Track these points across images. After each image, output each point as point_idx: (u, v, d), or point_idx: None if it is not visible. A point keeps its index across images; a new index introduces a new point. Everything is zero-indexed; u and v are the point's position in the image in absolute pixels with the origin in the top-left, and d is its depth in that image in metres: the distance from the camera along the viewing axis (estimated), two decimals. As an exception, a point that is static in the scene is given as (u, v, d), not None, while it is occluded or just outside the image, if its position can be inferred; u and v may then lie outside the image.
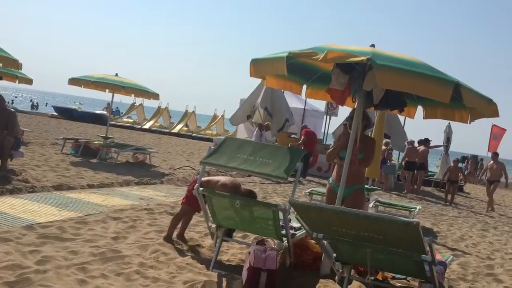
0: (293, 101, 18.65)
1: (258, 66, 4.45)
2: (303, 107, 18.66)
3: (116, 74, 11.37)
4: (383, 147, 13.52)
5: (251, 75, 4.48)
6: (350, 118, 4.83)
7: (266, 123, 14.44)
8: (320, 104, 20.54)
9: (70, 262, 3.95)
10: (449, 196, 12.96)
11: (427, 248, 3.00)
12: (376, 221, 2.98)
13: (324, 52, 3.80)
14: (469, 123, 4.54)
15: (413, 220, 2.77)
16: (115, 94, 11.80)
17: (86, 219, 5.41)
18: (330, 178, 5.06)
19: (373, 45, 4.43)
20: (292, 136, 16.03)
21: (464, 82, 3.84)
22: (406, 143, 14.10)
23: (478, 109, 4.18)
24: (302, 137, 13.53)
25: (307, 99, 17.76)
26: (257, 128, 13.86)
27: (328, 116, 18.02)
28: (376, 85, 4.35)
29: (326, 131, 18.83)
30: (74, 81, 11.04)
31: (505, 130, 14.82)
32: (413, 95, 4.87)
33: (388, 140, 14.00)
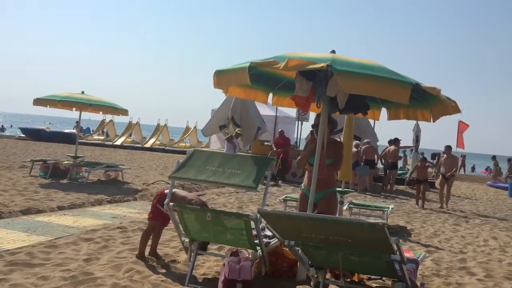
0: (264, 109, 18.75)
1: (221, 77, 4.47)
2: (275, 114, 18.78)
3: (83, 92, 11.20)
4: (354, 149, 13.75)
5: (214, 87, 4.49)
6: (315, 124, 4.89)
7: (236, 130, 14.46)
8: (291, 111, 20.73)
9: (40, 289, 3.85)
10: (420, 201, 11.72)
11: (395, 248, 3.05)
12: (344, 224, 3.02)
13: (285, 61, 3.85)
14: (433, 121, 4.64)
15: (379, 221, 2.82)
16: (83, 112, 11.62)
17: (56, 243, 5.29)
18: (302, 184, 5.11)
19: (333, 51, 4.51)
20: (266, 143, 16.09)
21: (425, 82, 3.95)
22: (363, 143, 14.35)
23: (440, 107, 4.31)
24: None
25: (278, 107, 17.94)
26: (226, 142, 13.89)
27: (299, 122, 18.19)
28: (339, 90, 4.44)
29: (299, 137, 19.00)
30: (39, 102, 10.82)
31: (468, 125, 15.28)
32: (377, 98, 4.97)
33: (358, 142, 14.22)
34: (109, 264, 4.64)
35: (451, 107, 4.28)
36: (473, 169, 42.46)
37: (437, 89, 3.88)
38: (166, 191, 4.75)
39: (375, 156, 14.46)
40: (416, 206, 11.59)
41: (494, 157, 25.19)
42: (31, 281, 4.01)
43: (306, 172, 5.04)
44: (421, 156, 13.44)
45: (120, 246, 5.37)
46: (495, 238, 8.03)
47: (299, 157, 5.04)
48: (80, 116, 11.91)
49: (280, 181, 13.93)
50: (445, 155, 12.37)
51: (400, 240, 3.25)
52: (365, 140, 14.48)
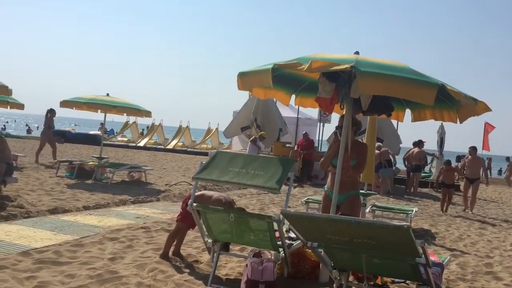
0: (286, 110, 18.74)
1: (245, 79, 4.49)
2: (296, 115, 18.74)
3: (107, 94, 11.40)
4: (377, 151, 13.60)
5: (238, 88, 4.53)
6: (339, 126, 4.86)
7: (260, 133, 14.49)
8: (313, 112, 20.65)
9: (67, 286, 3.94)
10: (445, 206, 11.12)
11: (421, 251, 3.01)
12: (368, 226, 3.00)
13: (309, 62, 3.85)
14: (460, 123, 4.56)
15: (404, 224, 2.79)
16: (107, 114, 11.82)
17: (82, 242, 5.40)
18: (326, 186, 5.09)
19: (357, 52, 4.49)
20: (287, 145, 16.07)
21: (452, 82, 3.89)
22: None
23: (465, 109, 4.24)
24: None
25: (300, 108, 17.91)
26: (249, 144, 13.92)
27: (321, 123, 18.09)
28: (365, 92, 4.41)
29: (320, 138, 18.90)
30: (65, 104, 11.07)
31: (494, 127, 14.89)
32: (401, 99, 4.92)
33: (380, 144, 14.07)
34: (133, 263, 4.72)
35: (479, 108, 4.21)
36: (500, 172, 41.46)
37: (461, 93, 3.82)
38: (196, 193, 4.79)
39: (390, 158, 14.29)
40: (441, 212, 10.90)
41: (508, 158, 24.53)
42: (58, 278, 4.10)
43: (330, 173, 5.02)
44: (446, 160, 12.29)
45: (144, 246, 5.45)
46: (523, 243, 7.83)
47: (322, 159, 5.03)
48: (105, 118, 12.12)
49: (308, 182, 13.96)
50: (469, 156, 11.62)
51: (425, 243, 3.20)
52: (377, 144, 14.31)
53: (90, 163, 11.72)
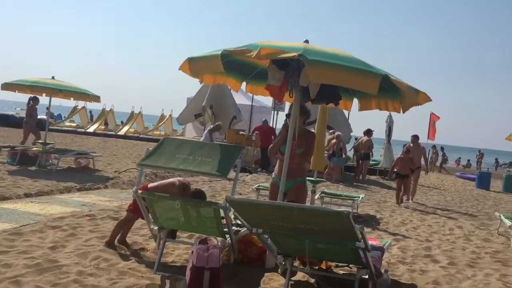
0: (240, 98, 18.70)
1: (194, 65, 4.42)
2: (251, 103, 18.76)
3: (53, 77, 10.89)
4: (334, 141, 13.91)
5: (184, 71, 4.44)
6: (289, 114, 4.91)
7: (217, 123, 14.41)
8: (267, 100, 20.75)
9: (3, 276, 3.76)
10: (404, 197, 10.76)
11: (360, 236, 3.11)
12: (310, 213, 3.06)
13: (257, 49, 3.84)
14: (403, 112, 4.71)
15: (343, 210, 2.86)
16: (54, 98, 11.33)
17: (22, 230, 5.17)
18: (273, 173, 5.14)
19: (306, 41, 4.52)
20: (241, 133, 16.08)
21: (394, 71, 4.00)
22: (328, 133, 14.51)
23: (409, 98, 4.38)
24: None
25: (254, 96, 17.93)
26: (205, 132, 13.79)
27: (275, 111, 18.22)
28: (311, 80, 4.46)
29: (274, 127, 19.04)
30: (7, 86, 10.49)
31: (439, 117, 15.60)
32: (348, 88, 5.01)
33: (340, 133, 14.37)
34: (75, 252, 4.57)
35: (420, 98, 4.36)
36: (445, 161, 43.57)
37: (404, 83, 3.95)
38: (150, 185, 4.70)
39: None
40: (397, 205, 10.33)
41: (434, 146, 26.08)
42: (-7, 268, 3.91)
43: (278, 161, 5.07)
44: (406, 148, 11.35)
45: (88, 234, 5.29)
46: (460, 227, 8.28)
47: (271, 145, 5.06)
48: (50, 101, 11.61)
49: (259, 170, 14.09)
50: (411, 144, 11.35)
51: (365, 229, 3.30)
52: (330, 131, 14.62)
53: (34, 149, 11.23)
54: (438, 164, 26.50)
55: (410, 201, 11.02)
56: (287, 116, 5.01)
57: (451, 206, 11.36)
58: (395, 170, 10.75)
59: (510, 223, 7.15)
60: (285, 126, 4.98)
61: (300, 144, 4.82)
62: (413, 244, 6.51)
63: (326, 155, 14.73)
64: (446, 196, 13.64)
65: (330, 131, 14.57)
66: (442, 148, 27.71)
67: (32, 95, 12.39)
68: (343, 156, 14.20)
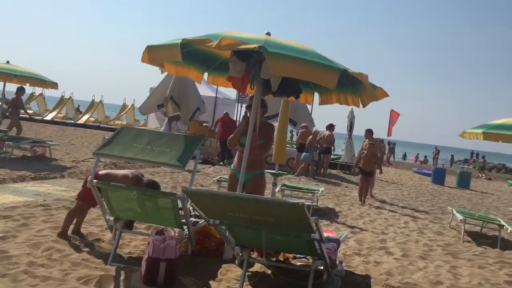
0: (205, 90, 18.56)
1: (153, 53, 4.35)
2: (215, 95, 18.66)
3: (8, 62, 10.45)
4: (310, 137, 14.03)
5: (143, 61, 4.36)
6: (249, 105, 4.91)
7: (176, 113, 14.23)
8: (231, 92, 20.68)
9: None
10: (364, 197, 10.14)
11: (315, 227, 3.16)
12: (266, 204, 3.08)
13: (218, 39, 3.81)
14: (363, 107, 4.79)
15: (299, 201, 2.89)
16: (8, 83, 10.88)
17: (-30, 220, 4.96)
18: (232, 164, 5.14)
19: (268, 33, 4.52)
20: (204, 124, 15.98)
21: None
22: (300, 127, 14.66)
23: (367, 93, 4.47)
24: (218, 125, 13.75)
25: (219, 88, 17.84)
26: (165, 121, 13.59)
27: (239, 104, 18.20)
28: (273, 73, 4.47)
29: (238, 119, 19.02)
30: (-43, 69, 9.99)
31: (399, 114, 16.04)
32: (310, 82, 5.06)
33: (317, 129, 14.48)
34: (27, 242, 4.42)
35: (378, 93, 4.45)
36: (404, 156, 44.98)
37: (364, 75, 4.02)
38: (100, 172, 4.59)
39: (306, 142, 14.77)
40: (359, 202, 9.90)
41: (382, 141, 26.80)
42: None
43: (237, 152, 5.07)
44: (368, 143, 10.62)
45: (41, 224, 5.13)
46: (415, 221, 8.57)
47: (230, 136, 5.06)
48: (4, 87, 11.13)
49: (221, 162, 13.98)
50: (366, 140, 11.15)
51: (324, 221, 3.36)
52: (302, 124, 14.78)
53: (-14, 136, 10.74)
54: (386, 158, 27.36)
55: (368, 194, 10.73)
56: (247, 108, 5.02)
57: (407, 200, 11.73)
58: (359, 166, 10.27)
59: (462, 217, 7.46)
60: (245, 118, 4.99)
61: (260, 136, 4.84)
62: (369, 236, 6.68)
63: (294, 148, 14.89)
64: (403, 190, 14.07)
65: (303, 124, 14.67)
66: (389, 143, 28.47)
67: (18, 85, 12.09)
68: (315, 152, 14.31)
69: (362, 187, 10.12)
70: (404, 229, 7.64)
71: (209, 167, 13.05)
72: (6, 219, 5.14)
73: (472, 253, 6.43)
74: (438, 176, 18.42)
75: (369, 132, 11.44)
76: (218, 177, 8.61)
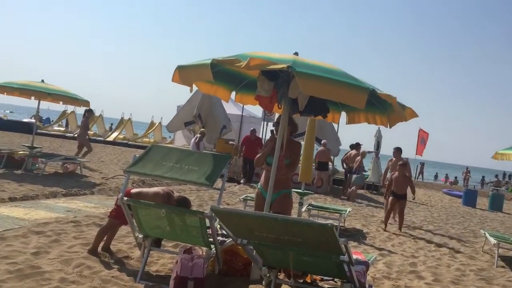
0: (231, 108, 18.71)
1: (184, 73, 4.42)
2: (241, 113, 18.79)
3: (42, 81, 10.83)
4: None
5: (174, 81, 4.43)
6: (276, 124, 4.94)
7: (201, 129, 14.37)
8: (257, 110, 20.79)
9: (-18, 282, 3.70)
10: (394, 221, 9.31)
11: (344, 249, 3.11)
12: (294, 224, 3.06)
13: (247, 60, 3.85)
14: (390, 127, 4.74)
15: (328, 222, 2.86)
16: (42, 101, 11.25)
17: (5, 235, 5.10)
18: (259, 184, 5.14)
19: (296, 53, 4.56)
20: (230, 142, 16.07)
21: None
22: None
23: (396, 113, 4.42)
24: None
25: (245, 106, 17.96)
26: (193, 139, 13.73)
27: (265, 122, 18.25)
28: (300, 92, 4.49)
29: (264, 137, 19.06)
30: (-5, 88, 10.39)
31: (428, 133, 15.73)
32: (337, 101, 5.05)
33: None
34: (58, 258, 4.51)
35: (407, 113, 4.40)
36: (436, 177, 43.95)
37: (393, 97, 3.98)
38: (133, 190, 4.66)
39: (329, 159, 14.70)
40: (382, 226, 9.00)
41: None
42: (-27, 273, 3.84)
43: (264, 171, 5.08)
44: (402, 162, 9.31)
45: (72, 241, 5.23)
46: (446, 244, 8.32)
47: (257, 156, 5.07)
48: (38, 105, 11.52)
49: (246, 182, 13.88)
50: (393, 158, 10.44)
51: (352, 243, 3.31)
52: (322, 141, 14.65)
53: (21, 152, 11.11)
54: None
55: (399, 231, 8.93)
56: (274, 126, 5.05)
57: (438, 222, 11.42)
58: (392, 190, 9.00)
59: (495, 241, 7.21)
60: (272, 137, 5.01)
61: (286, 155, 4.84)
62: (399, 259, 6.52)
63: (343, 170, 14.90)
64: (433, 212, 13.72)
65: (322, 141, 14.53)
66: (420, 163, 27.82)
67: (87, 108, 12.74)
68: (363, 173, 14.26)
69: (391, 211, 9.10)
70: (435, 253, 7.43)
71: (235, 185, 13.07)
72: (38, 235, 5.27)
73: (507, 279, 6.19)
74: (470, 198, 17.90)
75: (398, 151, 10.65)
76: (244, 195, 8.61)
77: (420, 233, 9.20)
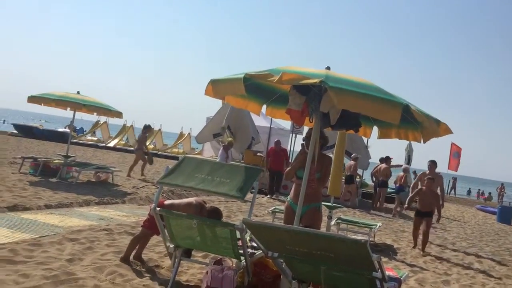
0: (259, 120, 18.78)
1: (217, 87, 4.50)
2: (269, 125, 18.85)
3: (78, 92, 11.19)
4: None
5: (207, 94, 4.51)
6: (307, 137, 4.95)
7: (228, 139, 14.47)
8: (286, 123, 20.77)
9: (21, 286, 3.83)
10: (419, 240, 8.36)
11: (377, 265, 3.07)
12: (326, 239, 3.05)
13: (279, 74, 3.89)
14: (423, 143, 4.69)
15: (361, 238, 2.84)
16: (77, 112, 11.61)
17: (41, 241, 5.26)
18: (288, 196, 5.15)
19: (328, 68, 4.57)
20: (258, 154, 16.12)
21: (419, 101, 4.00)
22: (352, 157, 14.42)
23: (429, 129, 4.37)
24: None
25: (273, 118, 18.01)
26: (221, 149, 13.84)
27: (293, 135, 18.23)
28: (332, 106, 4.49)
29: (292, 149, 19.03)
30: (33, 99, 10.78)
31: (461, 148, 15.34)
32: (369, 116, 5.02)
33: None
34: (92, 265, 4.63)
35: (441, 129, 4.34)
36: (469, 192, 42.73)
37: (424, 115, 3.95)
38: (166, 202, 4.75)
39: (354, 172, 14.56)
40: (410, 245, 8.49)
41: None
42: (12, 278, 3.99)
43: (294, 184, 5.08)
44: (428, 178, 8.57)
45: (104, 248, 5.35)
46: (480, 262, 8.07)
47: (287, 169, 5.09)
48: (74, 116, 11.89)
49: (274, 195, 13.75)
50: (427, 172, 9.53)
51: (382, 258, 3.27)
52: (353, 155, 14.50)
53: (56, 161, 11.46)
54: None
55: (421, 252, 8.18)
56: (304, 139, 5.05)
57: (471, 239, 11.10)
58: (417, 208, 8.47)
59: (532, 260, 6.94)
60: (303, 151, 5.03)
61: (317, 169, 4.83)
62: (431, 276, 6.37)
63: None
64: (466, 229, 13.33)
65: (353, 155, 14.41)
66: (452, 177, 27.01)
67: (146, 124, 13.41)
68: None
69: (417, 232, 8.39)
70: (469, 271, 7.22)
71: (263, 197, 13.06)
72: (73, 242, 5.41)
73: (546, 300, 5.95)
74: (505, 215, 17.33)
75: (433, 164, 9.45)
76: (273, 208, 8.60)
77: (453, 250, 8.96)
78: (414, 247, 8.52)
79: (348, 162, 14.34)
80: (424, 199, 8.31)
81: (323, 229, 6.51)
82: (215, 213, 4.55)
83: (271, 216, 8.30)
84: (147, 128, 13.69)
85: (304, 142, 5.03)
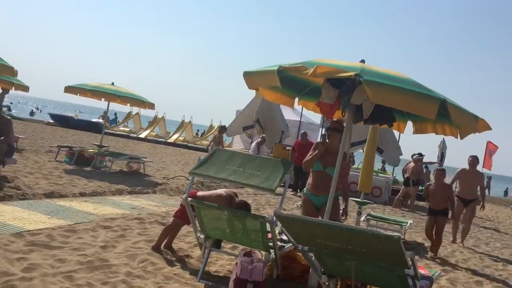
0: (289, 114, 18.74)
1: (252, 79, 4.50)
2: (299, 119, 18.76)
3: (112, 83, 11.43)
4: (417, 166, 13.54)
5: (249, 87, 4.53)
6: (329, 129, 4.97)
7: (262, 135, 14.48)
8: (315, 117, 20.65)
9: (57, 270, 3.96)
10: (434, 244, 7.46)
11: (410, 262, 3.02)
12: (359, 234, 3.01)
13: (314, 67, 3.86)
14: (461, 138, 4.55)
15: (395, 234, 2.80)
16: (111, 103, 11.86)
17: (76, 228, 5.42)
18: (305, 188, 5.12)
19: (363, 61, 4.49)
20: (287, 148, 16.08)
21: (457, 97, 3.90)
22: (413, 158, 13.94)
23: (466, 125, 4.24)
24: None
25: (303, 112, 17.92)
26: (253, 144, 13.84)
27: (323, 129, 18.10)
28: (365, 100, 4.42)
29: (321, 144, 18.90)
30: (70, 89, 11.08)
31: (497, 147, 14.85)
32: (403, 110, 4.92)
33: (444, 169, 13.93)
34: (124, 253, 4.73)
35: (480, 125, 4.21)
36: (506, 193, 41.34)
37: (459, 111, 3.84)
38: (199, 193, 4.80)
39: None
40: (428, 252, 7.46)
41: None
42: (48, 262, 4.12)
43: (311, 175, 5.05)
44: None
45: (136, 237, 5.46)
46: (515, 263, 7.82)
47: (306, 159, 5.06)
48: (108, 106, 12.16)
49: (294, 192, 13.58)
50: (467, 168, 8.69)
51: (415, 256, 3.21)
52: (415, 156, 14.00)
53: (90, 150, 11.76)
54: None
55: (461, 244, 8.57)
56: (327, 130, 5.07)
57: (506, 240, 10.77)
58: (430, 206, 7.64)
59: None
60: (323, 141, 5.04)
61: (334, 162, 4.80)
62: (463, 276, 6.22)
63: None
64: (500, 229, 12.94)
65: (415, 156, 13.76)
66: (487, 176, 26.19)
67: (222, 125, 13.90)
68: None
69: (431, 234, 7.43)
70: (502, 272, 7.01)
71: (291, 191, 13.03)
72: (106, 229, 5.55)
73: None
74: (542, 216, 16.70)
75: (476, 160, 8.69)
76: (300, 202, 8.57)
77: (486, 250, 8.71)
78: (453, 241, 8.62)
79: (408, 163, 13.89)
80: (436, 196, 7.46)
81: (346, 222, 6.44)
82: (244, 207, 4.57)
83: (299, 210, 8.27)
84: (223, 128, 13.87)
85: (325, 133, 5.02)
